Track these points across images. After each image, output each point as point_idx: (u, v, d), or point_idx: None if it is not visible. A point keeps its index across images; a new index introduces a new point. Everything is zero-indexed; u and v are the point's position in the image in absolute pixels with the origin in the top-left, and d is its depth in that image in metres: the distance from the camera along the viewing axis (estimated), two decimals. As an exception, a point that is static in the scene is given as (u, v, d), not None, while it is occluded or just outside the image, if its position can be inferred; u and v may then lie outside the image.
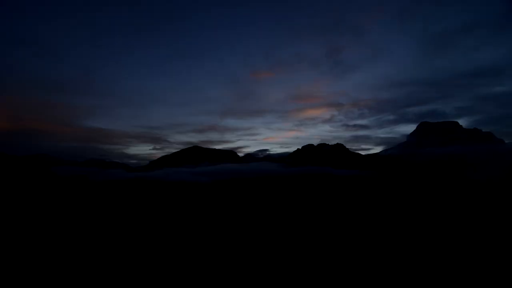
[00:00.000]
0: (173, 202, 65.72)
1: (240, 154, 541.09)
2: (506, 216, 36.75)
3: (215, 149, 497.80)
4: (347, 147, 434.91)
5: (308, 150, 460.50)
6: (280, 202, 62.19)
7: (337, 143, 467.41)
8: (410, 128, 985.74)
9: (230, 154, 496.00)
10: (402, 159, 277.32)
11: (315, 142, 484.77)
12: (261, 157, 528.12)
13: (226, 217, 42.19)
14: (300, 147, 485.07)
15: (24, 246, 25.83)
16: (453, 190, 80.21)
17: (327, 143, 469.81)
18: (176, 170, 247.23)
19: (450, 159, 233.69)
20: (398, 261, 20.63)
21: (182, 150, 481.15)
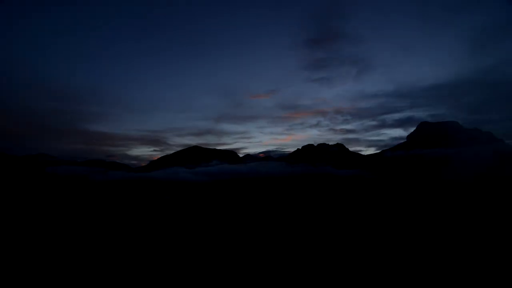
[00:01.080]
0: (173, 202, 64.08)
1: (240, 155, 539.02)
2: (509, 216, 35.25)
3: (215, 149, 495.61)
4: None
5: (308, 150, 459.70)
6: (282, 201, 60.72)
7: (338, 143, 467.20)
8: (394, 131, 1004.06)
9: (231, 154, 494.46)
10: (404, 160, 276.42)
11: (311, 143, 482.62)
12: (261, 157, 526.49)
13: (227, 217, 41.17)
14: (300, 147, 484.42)
15: (23, 246, 24.87)
16: (456, 190, 78.72)
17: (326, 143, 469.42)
18: (176, 170, 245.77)
19: (452, 159, 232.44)
20: (399, 262, 20.11)
21: (182, 150, 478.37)
